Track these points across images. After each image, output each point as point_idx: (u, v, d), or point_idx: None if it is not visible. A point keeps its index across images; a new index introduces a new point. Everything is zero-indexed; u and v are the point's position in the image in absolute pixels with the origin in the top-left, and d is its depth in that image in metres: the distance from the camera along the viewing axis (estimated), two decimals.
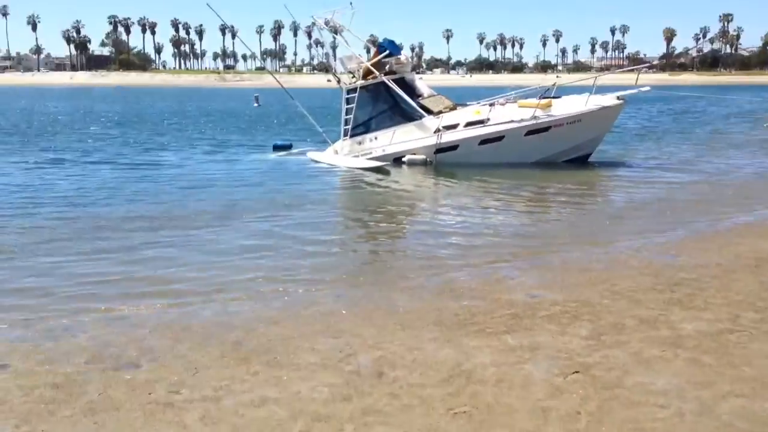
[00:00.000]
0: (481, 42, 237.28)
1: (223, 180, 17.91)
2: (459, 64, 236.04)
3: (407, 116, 20.87)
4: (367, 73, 21.62)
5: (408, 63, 21.98)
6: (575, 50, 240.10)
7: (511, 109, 19.99)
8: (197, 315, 7.26)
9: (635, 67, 21.23)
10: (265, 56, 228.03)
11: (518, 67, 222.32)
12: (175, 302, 7.71)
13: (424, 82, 22.74)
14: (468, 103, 22.20)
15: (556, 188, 16.23)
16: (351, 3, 22.05)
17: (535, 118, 19.38)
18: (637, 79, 19.97)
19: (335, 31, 22.17)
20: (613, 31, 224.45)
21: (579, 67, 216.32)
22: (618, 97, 19.92)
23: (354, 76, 22.26)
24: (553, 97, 20.33)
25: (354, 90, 21.48)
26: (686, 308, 6.91)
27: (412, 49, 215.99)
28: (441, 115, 20.57)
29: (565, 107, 19.69)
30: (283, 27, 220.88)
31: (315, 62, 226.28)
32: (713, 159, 21.03)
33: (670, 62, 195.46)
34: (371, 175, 18.98)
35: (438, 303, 7.51)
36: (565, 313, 6.91)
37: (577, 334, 6.26)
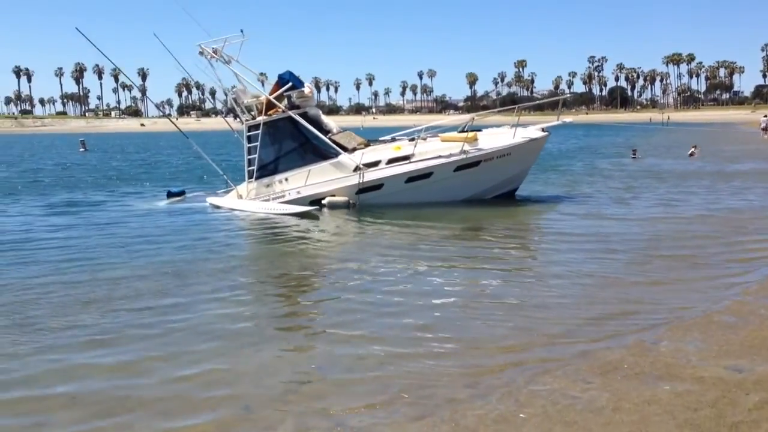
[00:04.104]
0: None
1: (131, 238, 14.19)
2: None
3: (321, 154, 18.57)
4: (268, 108, 19.06)
5: (312, 96, 19.71)
6: (386, 93, 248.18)
7: (436, 144, 18.41)
8: None
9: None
10: (66, 100, 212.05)
11: (334, 110, 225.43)
12: None
13: (329, 118, 20.63)
14: (379, 138, 20.39)
15: (523, 230, 14.63)
16: (242, 31, 19.44)
17: (464, 152, 17.94)
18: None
19: (226, 61, 19.34)
20: (420, 76, 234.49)
21: (391, 109, 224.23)
22: (543, 129, 19.09)
23: (248, 113, 19.59)
24: (474, 130, 19.05)
25: (256, 127, 18.80)
26: None
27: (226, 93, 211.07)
28: (357, 152, 18.53)
29: (491, 141, 18.46)
30: (85, 69, 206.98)
31: (122, 106, 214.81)
32: (636, 194, 19.91)
33: (474, 104, 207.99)
34: (297, 222, 16.41)
35: (630, 389, 5.46)
36: None
37: None
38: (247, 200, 18.80)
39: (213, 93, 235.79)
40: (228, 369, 6.53)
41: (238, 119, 19.74)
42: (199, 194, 21.48)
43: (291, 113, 18.65)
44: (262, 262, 12.23)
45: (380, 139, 20.33)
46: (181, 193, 21.59)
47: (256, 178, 18.88)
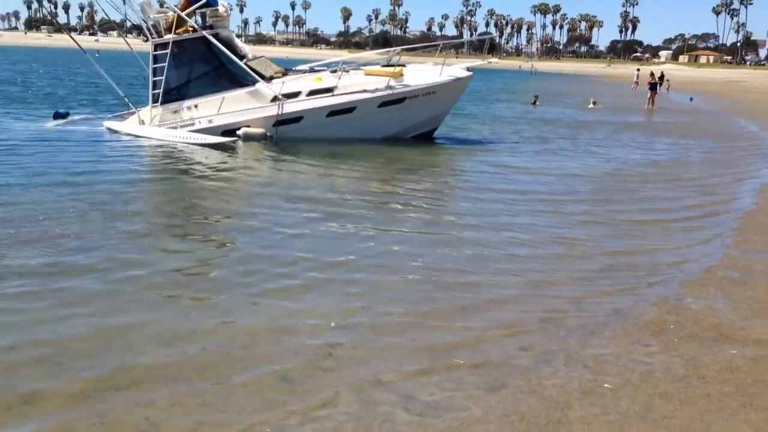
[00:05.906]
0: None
1: (27, 167, 12.26)
2: (135, 27, 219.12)
3: (236, 81, 17.11)
4: (177, 26, 17.19)
5: (227, 17, 17.99)
6: (257, 22, 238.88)
7: (360, 78, 17.46)
8: None
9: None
10: None
11: None
12: None
13: (243, 43, 19.04)
14: (296, 68, 19.12)
15: (458, 179, 14.18)
16: None
17: (390, 88, 17.14)
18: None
19: None
20: (293, 6, 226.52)
21: (261, 39, 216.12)
22: (468, 69, 18.64)
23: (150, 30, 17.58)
24: (399, 65, 18.24)
25: (164, 46, 16.95)
26: None
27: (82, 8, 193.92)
28: (275, 80, 17.24)
29: (417, 77, 17.76)
30: None
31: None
32: (555, 145, 19.23)
33: (346, 40, 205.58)
34: (209, 154, 15.07)
35: (699, 354, 5.17)
36: None
37: None
38: (152, 126, 17.07)
39: (67, 8, 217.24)
40: (236, 325, 5.60)
41: (142, 36, 17.70)
42: (89, 117, 19.39)
43: (205, 33, 16.97)
44: (188, 202, 10.89)
45: (297, 68, 19.11)
46: (66, 115, 19.35)
47: (162, 103, 17.12)
